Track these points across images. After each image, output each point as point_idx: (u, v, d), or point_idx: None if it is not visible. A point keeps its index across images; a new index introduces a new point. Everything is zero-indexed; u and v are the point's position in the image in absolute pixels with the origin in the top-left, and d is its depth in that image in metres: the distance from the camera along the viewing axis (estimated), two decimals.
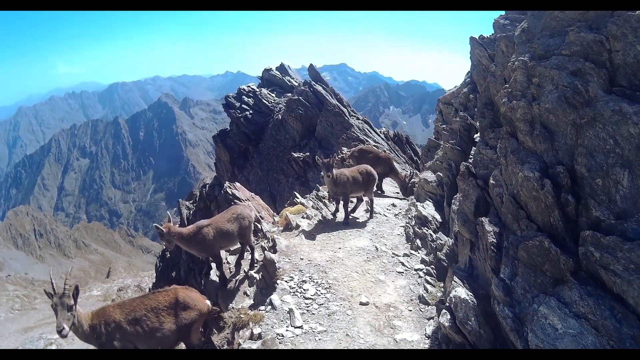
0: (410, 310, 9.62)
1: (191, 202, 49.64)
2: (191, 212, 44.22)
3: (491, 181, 8.00)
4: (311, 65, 49.78)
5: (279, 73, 56.86)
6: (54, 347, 47.89)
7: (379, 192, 20.50)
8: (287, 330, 8.72)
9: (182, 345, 8.86)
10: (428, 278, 10.72)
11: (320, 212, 16.19)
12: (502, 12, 13.82)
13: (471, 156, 10.82)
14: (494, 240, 7.22)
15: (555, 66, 7.10)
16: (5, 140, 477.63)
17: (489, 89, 11.39)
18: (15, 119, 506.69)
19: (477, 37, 16.38)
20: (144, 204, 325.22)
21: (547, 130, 6.83)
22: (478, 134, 11.80)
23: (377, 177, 16.39)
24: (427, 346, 8.19)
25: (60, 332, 7.21)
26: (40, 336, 53.76)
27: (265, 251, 11.73)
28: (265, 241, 13.88)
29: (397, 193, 21.23)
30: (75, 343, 49.99)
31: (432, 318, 9.06)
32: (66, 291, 7.37)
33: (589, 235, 5.55)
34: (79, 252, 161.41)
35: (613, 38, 6.47)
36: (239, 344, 8.33)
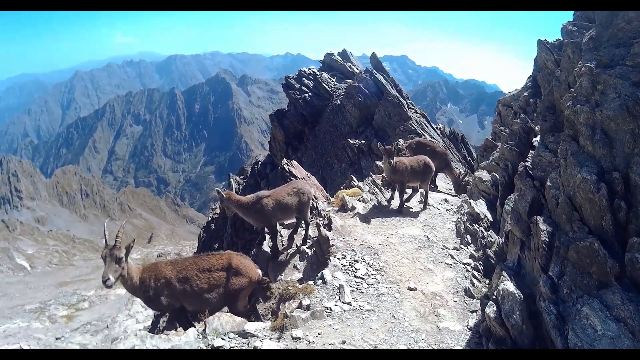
0: (455, 302, 9.81)
1: (242, 177, 50.04)
2: (241, 187, 44.62)
3: (548, 183, 8.09)
4: (373, 53, 49.74)
5: (340, 59, 56.99)
6: (86, 304, 48.73)
7: (432, 186, 20.39)
8: (335, 305, 8.94)
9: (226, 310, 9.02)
10: (475, 273, 10.88)
11: (376, 198, 16.36)
12: (570, 18, 13.88)
13: (528, 158, 10.88)
14: (546, 239, 7.35)
15: (619, 75, 7.23)
16: (59, 101, 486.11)
17: (552, 93, 11.46)
18: (70, 82, 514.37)
19: (544, 41, 16.40)
20: (193, 175, 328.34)
21: (607, 137, 6.95)
22: (537, 138, 11.89)
23: (434, 170, 16.50)
24: (467, 337, 8.34)
25: (105, 282, 7.53)
26: (74, 291, 54.72)
27: (321, 228, 11.81)
28: (321, 219, 14.14)
29: (450, 190, 21.24)
30: (108, 302, 50.90)
31: (476, 311, 9.23)
32: (117, 244, 7.70)
33: (636, 242, 5.72)
34: (123, 215, 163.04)
35: None
36: (285, 314, 8.40)
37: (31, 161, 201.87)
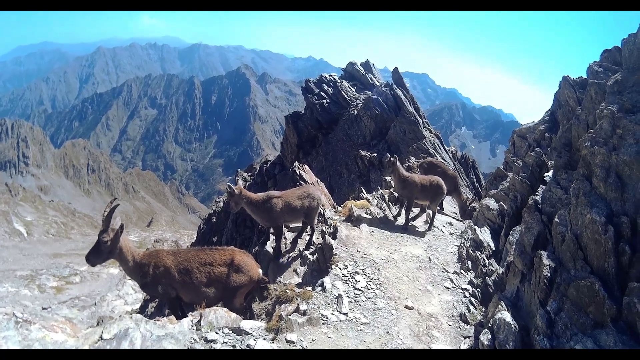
0: (450, 325, 9.83)
1: (249, 174, 50.11)
2: (247, 184, 44.61)
3: (556, 219, 8.15)
4: (396, 68, 49.42)
5: (362, 69, 56.82)
6: (77, 278, 49.20)
7: (439, 208, 20.01)
8: (332, 314, 9.00)
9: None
10: (472, 299, 10.89)
11: (383, 212, 16.37)
12: (595, 55, 14.03)
13: (538, 192, 10.96)
14: (548, 274, 7.40)
15: (639, 122, 7.34)
16: (78, 74, 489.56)
17: (571, 130, 11.56)
18: (92, 56, 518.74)
19: (569, 78, 16.50)
20: (201, 165, 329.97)
21: (620, 181, 7.06)
22: (549, 172, 11.96)
23: (445, 192, 16.47)
24: None
25: (86, 260, 8.13)
26: (67, 264, 55.21)
27: (326, 236, 11.87)
28: (326, 227, 14.11)
29: (455, 214, 21.12)
30: (99, 279, 51.10)
31: (469, 337, 9.25)
32: (105, 227, 7.92)
33: (636, 287, 5.79)
34: (126, 196, 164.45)
35: None
36: (281, 316, 8.51)
37: (42, 129, 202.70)
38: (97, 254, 7.96)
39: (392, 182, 16.49)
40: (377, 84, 52.90)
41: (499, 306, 8.10)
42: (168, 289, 8.38)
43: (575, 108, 14.03)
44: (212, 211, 47.47)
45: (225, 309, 8.42)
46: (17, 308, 37.67)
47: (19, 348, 5.60)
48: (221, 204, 44.98)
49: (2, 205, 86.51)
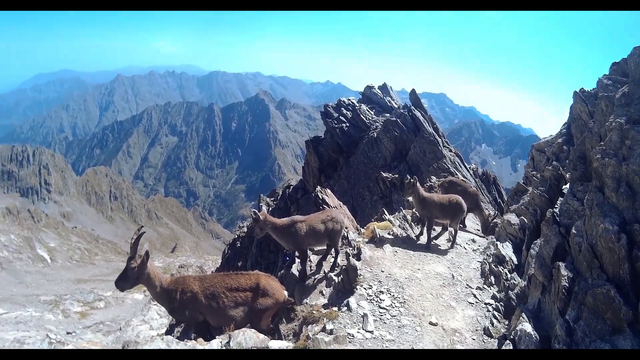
0: (474, 340, 9.88)
1: (272, 199, 50.42)
2: (270, 209, 44.71)
3: (573, 231, 8.29)
4: (413, 90, 49.67)
5: (380, 92, 57.25)
6: (102, 303, 49.30)
7: (461, 225, 20.31)
8: (358, 332, 9.12)
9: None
10: (495, 313, 10.93)
11: (406, 232, 16.46)
12: (605, 68, 14.09)
13: (557, 205, 11.08)
14: (566, 284, 7.53)
15: None
16: (98, 102, 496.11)
17: (584, 143, 11.65)
18: (111, 84, 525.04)
19: (580, 92, 16.61)
20: (223, 191, 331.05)
21: (631, 190, 7.22)
22: (567, 185, 12.07)
23: (465, 210, 16.54)
24: None
25: (115, 284, 8.43)
26: (91, 290, 55.34)
27: (350, 257, 11.90)
28: (350, 248, 14.26)
29: (478, 230, 21.13)
30: (124, 305, 51.13)
31: None
32: (132, 254, 8.24)
33: None
34: (149, 222, 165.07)
35: None
36: (308, 336, 8.58)
37: (64, 157, 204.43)
38: (126, 279, 8.23)
39: (413, 202, 16.60)
40: (395, 106, 53.33)
41: (521, 318, 8.25)
42: (195, 313, 8.59)
43: (588, 121, 14.17)
44: (236, 236, 47.74)
45: (253, 330, 8.51)
46: (41, 332, 38.00)
47: None
48: (245, 229, 45.22)
49: (25, 232, 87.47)
